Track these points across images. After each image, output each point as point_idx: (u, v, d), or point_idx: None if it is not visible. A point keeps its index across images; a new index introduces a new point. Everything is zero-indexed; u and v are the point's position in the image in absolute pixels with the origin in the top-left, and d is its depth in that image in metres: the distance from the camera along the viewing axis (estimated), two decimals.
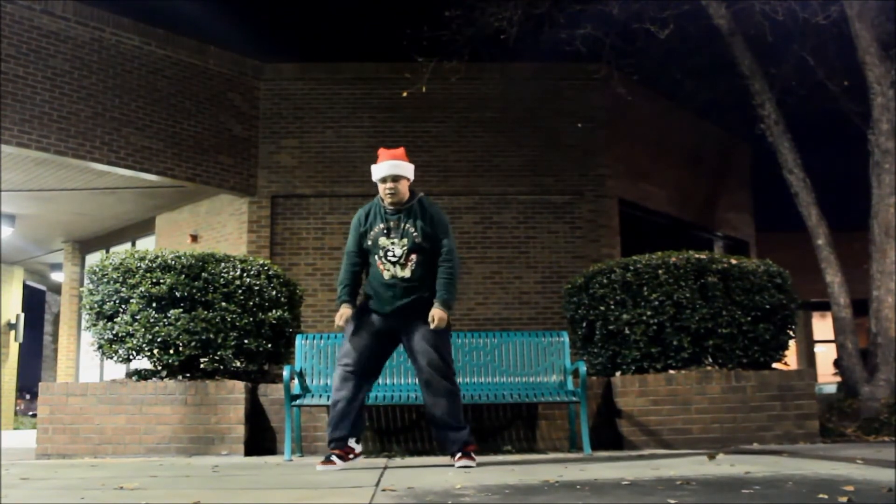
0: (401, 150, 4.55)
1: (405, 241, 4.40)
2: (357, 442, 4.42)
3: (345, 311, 4.45)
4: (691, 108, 12.71)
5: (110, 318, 5.93)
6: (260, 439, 5.87)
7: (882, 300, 7.86)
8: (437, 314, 4.33)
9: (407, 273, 4.38)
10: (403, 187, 4.49)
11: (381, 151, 4.55)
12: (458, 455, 4.30)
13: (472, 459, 4.30)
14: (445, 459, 4.61)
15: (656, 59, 10.75)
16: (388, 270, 4.40)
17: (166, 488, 3.34)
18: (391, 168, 4.45)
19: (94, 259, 12.51)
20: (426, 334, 4.37)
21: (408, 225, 4.43)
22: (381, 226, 4.45)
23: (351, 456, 4.33)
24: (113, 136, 9.38)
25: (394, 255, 4.39)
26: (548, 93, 10.99)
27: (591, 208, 10.81)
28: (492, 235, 10.72)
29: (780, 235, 15.03)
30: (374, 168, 4.51)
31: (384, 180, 4.46)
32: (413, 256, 4.39)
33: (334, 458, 4.26)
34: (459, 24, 9.43)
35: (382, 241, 4.42)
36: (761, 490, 2.79)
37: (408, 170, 4.51)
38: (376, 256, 4.44)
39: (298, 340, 5.88)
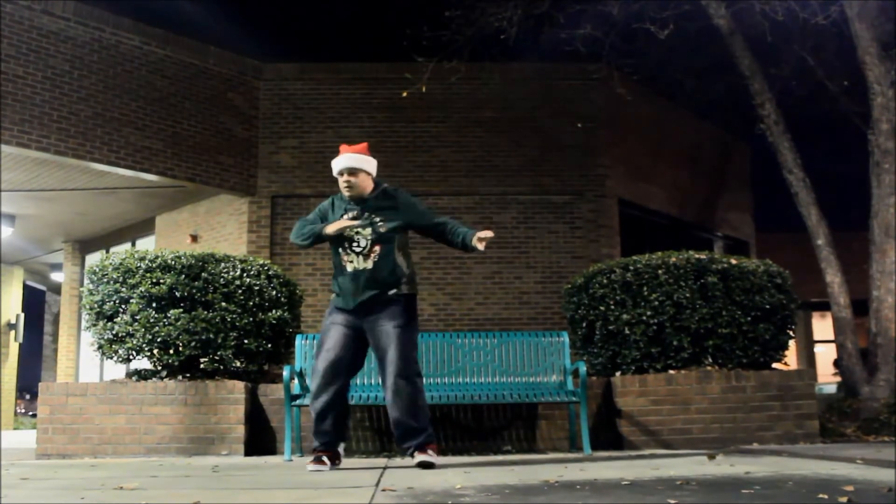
0: (362, 146, 4.52)
1: (369, 230, 4.34)
2: (341, 447, 4.40)
3: (338, 221, 4.34)
4: (691, 108, 12.71)
5: (110, 318, 5.93)
6: (260, 439, 5.87)
7: (882, 300, 7.86)
8: (484, 232, 4.34)
9: (369, 265, 4.32)
10: (363, 181, 4.43)
11: (342, 147, 4.51)
12: (415, 451, 4.22)
13: (433, 455, 4.21)
14: (445, 460, 4.60)
15: (656, 59, 10.75)
16: (352, 262, 4.33)
17: (166, 488, 3.34)
18: (347, 161, 4.39)
19: (94, 259, 12.51)
20: (390, 332, 4.30)
21: (372, 214, 4.38)
22: (345, 216, 4.40)
23: (337, 461, 4.33)
24: (113, 136, 9.38)
25: (358, 246, 4.33)
26: (548, 93, 10.99)
27: (591, 208, 10.81)
28: None
29: (780, 235, 15.04)
30: (332, 162, 4.47)
31: (341, 173, 4.42)
32: (377, 248, 4.33)
33: (325, 458, 4.25)
34: (459, 24, 9.43)
35: (347, 231, 4.35)
36: (761, 490, 2.79)
37: (366, 163, 4.44)
38: (339, 248, 4.37)
39: (298, 340, 5.88)
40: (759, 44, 9.12)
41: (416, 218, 4.49)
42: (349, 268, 4.35)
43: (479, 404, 5.73)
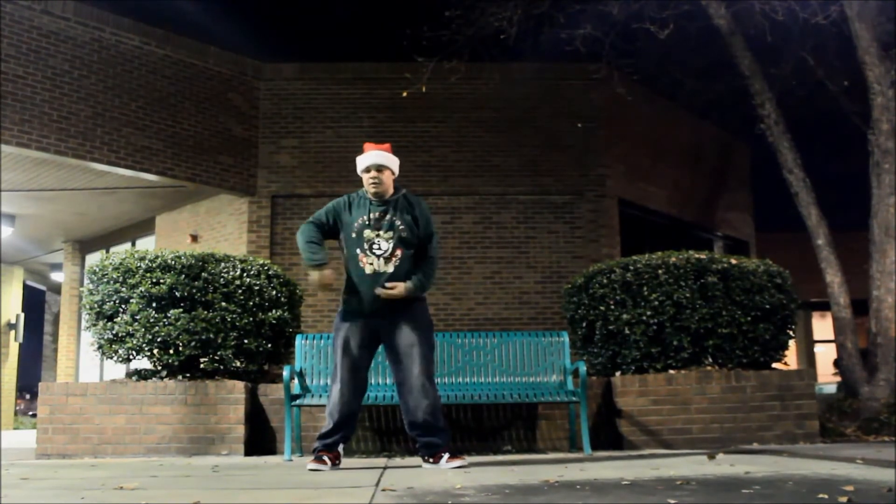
0: (387, 146, 4.52)
1: (391, 233, 4.32)
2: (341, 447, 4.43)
3: (327, 274, 4.32)
4: (691, 108, 12.71)
5: (110, 318, 5.93)
6: (260, 439, 5.87)
7: (882, 300, 7.86)
8: (402, 285, 4.26)
9: (391, 268, 4.29)
10: (388, 178, 4.42)
11: (367, 145, 4.51)
12: (448, 456, 4.24)
13: (463, 458, 4.26)
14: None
15: (656, 59, 10.76)
16: (371, 264, 4.30)
17: (166, 488, 3.34)
18: (376, 157, 4.39)
19: (94, 259, 12.52)
20: (412, 335, 4.31)
21: (394, 218, 4.35)
22: (366, 217, 4.36)
23: (338, 462, 4.34)
24: (113, 136, 9.38)
25: (380, 249, 4.30)
26: (548, 93, 11.00)
27: (591, 208, 10.81)
28: (492, 235, 10.71)
29: (780, 235, 15.04)
30: (358, 159, 4.46)
31: (368, 169, 4.39)
32: (399, 252, 4.31)
33: (325, 458, 4.26)
34: (459, 24, 9.43)
35: (368, 233, 4.32)
36: (761, 490, 2.79)
37: (393, 162, 4.44)
38: (358, 249, 4.33)
39: (298, 340, 5.88)
40: (759, 44, 9.12)
41: (424, 238, 4.44)
42: (368, 270, 4.31)
43: (479, 404, 5.73)
